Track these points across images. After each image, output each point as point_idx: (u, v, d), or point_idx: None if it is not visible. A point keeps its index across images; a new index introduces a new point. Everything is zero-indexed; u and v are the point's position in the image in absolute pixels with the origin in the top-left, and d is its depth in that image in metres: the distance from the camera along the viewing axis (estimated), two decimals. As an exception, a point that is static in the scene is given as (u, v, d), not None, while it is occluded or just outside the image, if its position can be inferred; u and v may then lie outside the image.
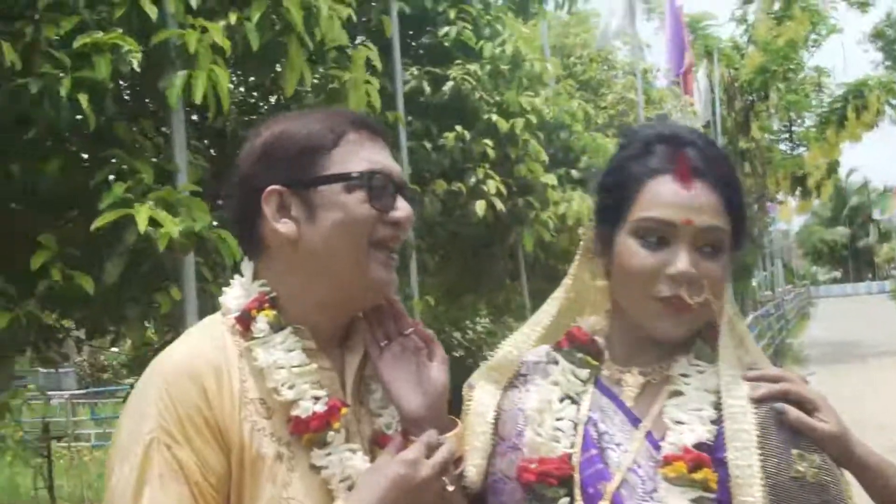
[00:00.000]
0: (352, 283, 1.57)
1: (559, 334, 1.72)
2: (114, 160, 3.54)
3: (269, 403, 1.53)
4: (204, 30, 3.56)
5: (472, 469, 1.65)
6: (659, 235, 1.55)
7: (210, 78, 3.49)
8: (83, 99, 3.22)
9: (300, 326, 1.58)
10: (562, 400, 1.63)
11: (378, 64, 4.83)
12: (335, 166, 1.57)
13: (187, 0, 3.57)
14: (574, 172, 7.83)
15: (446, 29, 6.51)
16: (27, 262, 3.41)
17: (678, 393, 1.59)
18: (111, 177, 3.50)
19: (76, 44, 3.27)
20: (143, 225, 3.25)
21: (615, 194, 1.61)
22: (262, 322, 1.56)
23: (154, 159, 3.77)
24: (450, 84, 6.23)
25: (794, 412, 1.53)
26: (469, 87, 6.22)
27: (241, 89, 4.76)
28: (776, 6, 25.53)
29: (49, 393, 13.89)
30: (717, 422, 1.55)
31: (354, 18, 4.66)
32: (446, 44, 6.50)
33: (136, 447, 1.47)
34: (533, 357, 1.72)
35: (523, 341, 1.74)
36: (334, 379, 1.60)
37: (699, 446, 1.52)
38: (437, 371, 1.66)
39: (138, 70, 3.39)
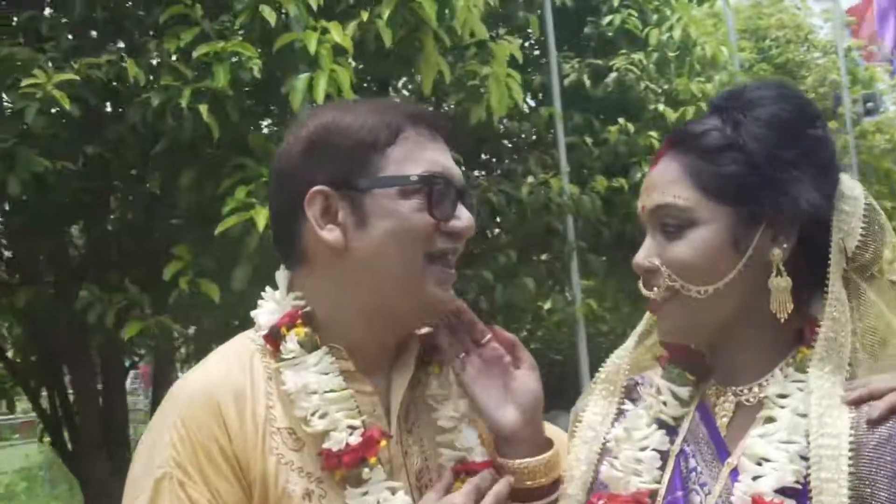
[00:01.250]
0: (404, 301, 1.39)
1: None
2: (243, 168, 3.51)
3: (299, 434, 1.37)
4: (325, 31, 3.45)
5: (568, 499, 1.43)
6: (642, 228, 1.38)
7: (332, 78, 3.37)
8: (203, 109, 3.19)
9: (337, 346, 1.41)
10: (651, 425, 1.37)
11: (519, 56, 4.57)
12: (391, 167, 1.38)
13: (308, 3, 3.46)
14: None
15: (609, 17, 6.16)
16: (162, 273, 3.45)
17: (771, 419, 1.26)
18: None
19: (196, 54, 3.26)
20: (261, 225, 3.18)
21: None
22: (292, 341, 1.39)
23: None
24: (613, 75, 5.87)
25: None
26: (633, 77, 5.83)
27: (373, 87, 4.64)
28: None
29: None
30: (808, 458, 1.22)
31: (493, 2, 4.41)
32: (610, 34, 6.14)
33: (147, 481, 1.34)
34: (647, 378, 1.48)
35: (624, 348, 1.50)
36: (377, 405, 1.43)
37: (785, 491, 1.20)
38: (527, 378, 1.47)
39: (258, 77, 3.33)
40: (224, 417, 1.35)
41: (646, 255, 1.33)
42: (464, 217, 1.41)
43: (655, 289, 1.32)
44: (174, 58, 3.33)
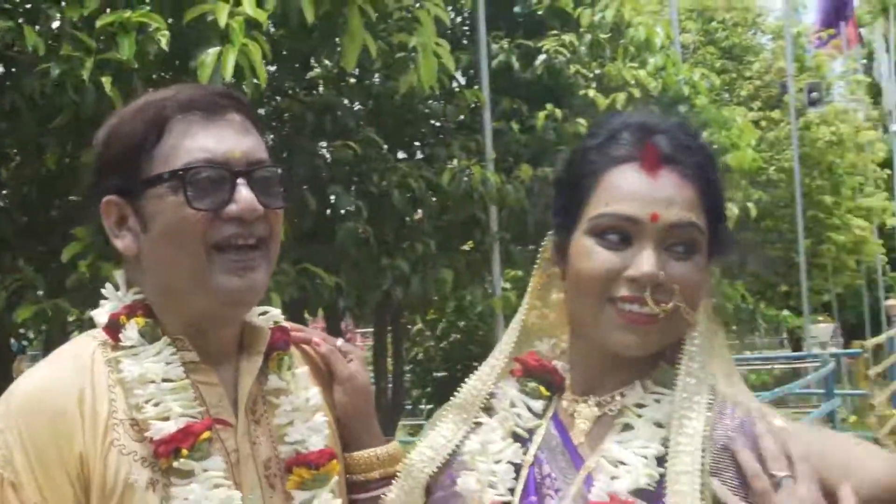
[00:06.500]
0: (197, 295, 1.50)
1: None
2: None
3: (142, 424, 1.47)
4: (238, 3, 3.60)
5: (393, 495, 1.63)
6: (620, 233, 1.43)
7: (244, 53, 3.51)
8: (106, 82, 3.31)
9: (181, 337, 1.54)
10: (506, 438, 1.55)
11: (446, 18, 4.74)
12: (158, 166, 1.48)
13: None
14: (693, 151, 7.51)
15: (541, -6, 6.40)
16: (58, 254, 3.55)
17: (629, 427, 1.47)
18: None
19: (99, 23, 3.36)
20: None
21: (571, 190, 1.50)
22: (131, 330, 1.51)
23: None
24: (542, 58, 6.11)
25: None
26: (563, 59, 6.08)
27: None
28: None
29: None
30: (665, 461, 1.42)
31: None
32: (540, 13, 6.38)
33: None
34: (501, 389, 1.63)
35: (488, 373, 1.63)
36: (223, 396, 1.55)
37: (638, 493, 1.40)
38: (356, 374, 1.75)
39: (166, 49, 3.45)
40: (63, 419, 1.43)
41: (658, 267, 1.40)
42: (241, 200, 1.47)
43: (662, 305, 1.41)
44: (76, 27, 3.42)
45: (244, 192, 1.48)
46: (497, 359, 1.62)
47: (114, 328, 1.51)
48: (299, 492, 1.56)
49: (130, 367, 1.48)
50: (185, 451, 1.44)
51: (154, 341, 1.51)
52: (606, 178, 1.46)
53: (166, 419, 1.45)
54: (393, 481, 1.65)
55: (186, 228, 1.46)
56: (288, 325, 1.70)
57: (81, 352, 1.52)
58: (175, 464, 1.44)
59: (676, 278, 1.41)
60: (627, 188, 1.43)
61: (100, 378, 1.48)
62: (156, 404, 1.46)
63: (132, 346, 1.50)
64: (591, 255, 1.43)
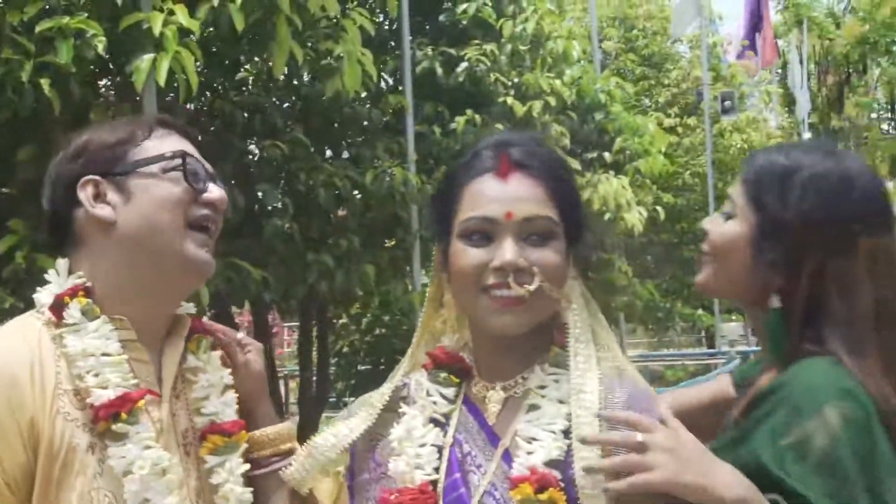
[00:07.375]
0: (169, 262, 1.72)
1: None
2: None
3: (83, 393, 1.66)
4: (172, 12, 3.79)
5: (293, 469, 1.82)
6: (483, 233, 1.66)
7: (177, 60, 3.71)
8: (45, 84, 3.49)
9: (120, 317, 1.72)
10: (426, 424, 1.73)
11: (369, 27, 4.94)
12: (149, 153, 1.75)
13: (159, -17, 3.80)
14: (607, 155, 7.92)
15: (465, 6, 6.66)
16: (-2, 247, 3.72)
17: (535, 407, 1.68)
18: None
19: (38, 28, 3.54)
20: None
21: (444, 204, 1.74)
22: (74, 308, 1.69)
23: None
24: (464, 65, 6.38)
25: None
26: (484, 68, 6.36)
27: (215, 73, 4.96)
28: (881, -30, 24.94)
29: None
30: (570, 432, 1.63)
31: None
32: (464, 23, 6.65)
33: None
34: (413, 381, 1.81)
35: (400, 374, 1.83)
36: (150, 373, 1.75)
37: (551, 464, 1.61)
38: (253, 363, 1.93)
39: (103, 54, 3.64)
40: (17, 387, 1.61)
41: (517, 255, 1.62)
42: (216, 190, 1.77)
43: (526, 286, 1.62)
44: (16, 31, 3.59)
45: (216, 186, 1.78)
46: (407, 361, 1.83)
47: (58, 307, 1.69)
48: (212, 457, 1.76)
49: (73, 342, 1.66)
50: (123, 416, 1.63)
51: (93, 320, 1.70)
52: (469, 188, 1.70)
53: (105, 388, 1.64)
54: (286, 458, 1.84)
55: (177, 201, 1.72)
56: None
57: (28, 329, 1.70)
58: (113, 427, 1.62)
59: (535, 262, 1.64)
60: (486, 194, 1.68)
61: (47, 352, 1.66)
62: (96, 375, 1.65)
63: (75, 324, 1.68)
64: (463, 254, 1.66)
